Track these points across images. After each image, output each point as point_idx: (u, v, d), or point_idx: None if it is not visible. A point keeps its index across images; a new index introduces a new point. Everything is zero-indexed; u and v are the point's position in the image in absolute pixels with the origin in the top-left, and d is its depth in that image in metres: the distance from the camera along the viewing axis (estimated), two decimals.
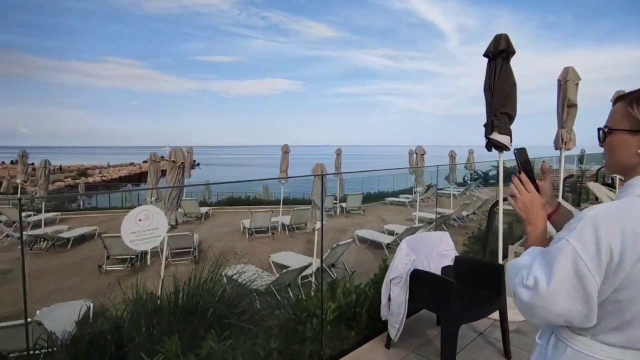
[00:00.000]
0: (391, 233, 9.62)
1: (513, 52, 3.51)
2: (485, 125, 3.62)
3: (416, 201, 15.41)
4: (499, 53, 3.49)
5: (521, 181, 1.18)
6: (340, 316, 3.09)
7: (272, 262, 7.59)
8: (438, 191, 16.17)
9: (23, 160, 11.27)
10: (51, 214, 12.35)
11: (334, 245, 6.53)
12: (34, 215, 11.96)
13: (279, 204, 11.71)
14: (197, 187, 19.21)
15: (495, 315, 3.07)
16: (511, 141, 3.59)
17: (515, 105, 3.56)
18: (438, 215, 10.30)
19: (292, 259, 7.55)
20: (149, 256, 8.16)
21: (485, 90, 3.63)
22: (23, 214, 11.67)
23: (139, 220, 2.34)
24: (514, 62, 3.61)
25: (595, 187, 7.06)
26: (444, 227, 10.34)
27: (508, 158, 3.69)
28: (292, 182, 16.42)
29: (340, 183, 16.70)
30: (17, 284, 6.39)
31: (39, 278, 7.40)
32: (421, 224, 9.43)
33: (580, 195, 9.18)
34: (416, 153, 8.75)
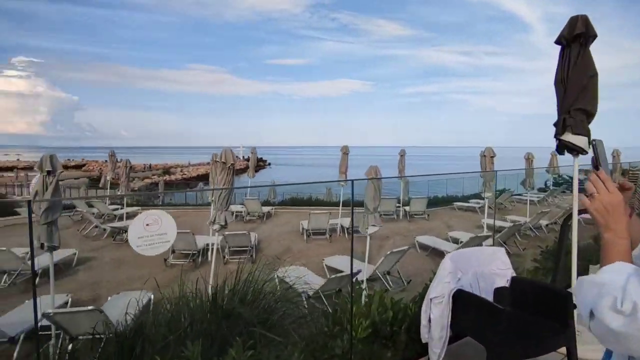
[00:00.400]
0: (456, 241, 8.97)
1: (594, 37, 2.94)
2: (555, 125, 3.09)
3: (490, 207, 14.34)
4: (575, 38, 2.94)
5: (600, 178, 0.96)
6: (374, 334, 2.83)
7: (326, 265, 7.47)
8: (514, 196, 14.81)
9: (112, 160, 12.60)
10: (134, 208, 13.62)
11: (388, 252, 6.21)
12: (121, 208, 13.31)
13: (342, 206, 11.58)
14: (264, 186, 19.87)
15: (562, 350, 2.58)
16: (589, 143, 3.01)
17: (594, 100, 2.98)
18: (510, 224, 9.34)
19: (347, 264, 7.34)
20: (209, 253, 8.53)
21: (556, 83, 3.09)
22: (112, 206, 13.03)
23: (147, 225, 2.34)
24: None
25: None
26: (517, 236, 9.37)
27: (585, 163, 3.11)
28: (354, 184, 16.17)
29: (405, 186, 16.11)
30: (99, 270, 7.02)
31: (116, 266, 8.15)
32: (489, 233, 8.61)
33: None
34: (485, 155, 7.99)
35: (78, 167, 62.99)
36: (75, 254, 7.98)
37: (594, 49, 3.04)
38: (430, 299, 2.60)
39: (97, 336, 3.80)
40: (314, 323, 3.37)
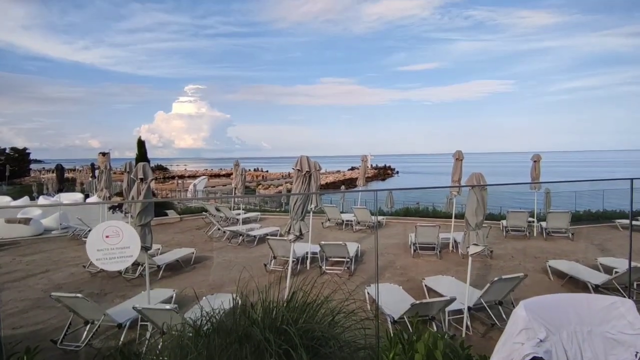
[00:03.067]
0: (608, 270, 6.92)
1: None
2: None
3: None
4: None
5: None
6: None
7: (425, 286, 6.59)
8: None
9: (236, 169, 13.87)
10: (255, 214, 14.75)
11: (495, 279, 5.04)
12: (244, 213, 14.57)
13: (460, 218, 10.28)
14: (381, 195, 19.28)
15: None
16: None
17: None
18: None
19: (449, 287, 6.34)
20: (308, 261, 8.47)
21: None
22: (235, 211, 14.32)
23: (106, 237, 2.15)
24: None
25: None
26: None
27: None
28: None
29: (547, 197, 13.52)
30: (211, 270, 7.56)
31: (225, 267, 8.75)
32: None
33: None
34: None
35: (227, 175, 73.16)
36: (193, 253, 8.91)
37: None
38: None
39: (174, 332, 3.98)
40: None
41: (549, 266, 7.30)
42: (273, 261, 8.38)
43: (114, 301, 6.57)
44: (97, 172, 22.79)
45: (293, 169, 4.88)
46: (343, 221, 13.03)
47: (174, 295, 6.25)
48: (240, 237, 10.86)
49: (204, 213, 13.93)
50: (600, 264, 7.31)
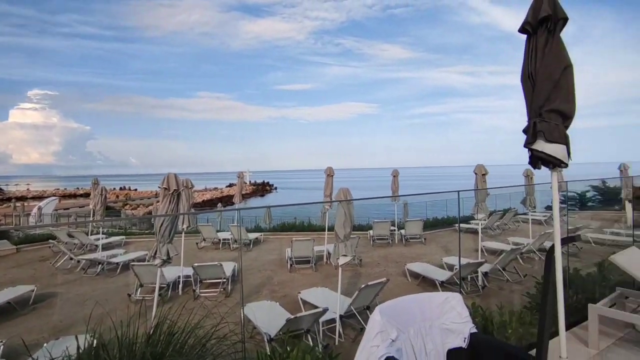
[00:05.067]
0: (451, 268, 8.17)
1: (564, 20, 2.34)
2: (524, 131, 2.46)
3: (491, 228, 13.47)
4: (541, 23, 2.35)
5: None
6: None
7: (301, 299, 6.73)
8: (518, 216, 13.94)
9: (95, 187, 12.14)
10: (118, 238, 13.08)
11: (362, 286, 5.47)
12: (105, 238, 12.77)
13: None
14: (259, 211, 19.22)
15: None
16: (569, 153, 2.37)
17: (571, 98, 2.34)
18: (513, 247, 8.49)
19: (324, 298, 6.60)
20: (180, 286, 7.86)
21: (523, 80, 2.48)
22: (94, 236, 12.49)
23: None
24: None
25: None
26: (520, 260, 8.57)
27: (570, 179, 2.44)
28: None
29: (405, 208, 15.41)
30: (58, 309, 6.31)
31: (78, 303, 7.50)
32: (483, 259, 7.81)
33: None
34: (475, 173, 7.30)
35: (87, 195, 63.51)
36: (33, 290, 7.38)
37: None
38: None
39: None
40: None
41: (407, 269, 8.26)
42: (140, 290, 7.52)
43: None
44: None
45: (159, 187, 4.49)
46: (220, 240, 12.54)
47: (1, 347, 5.05)
48: (100, 266, 9.46)
49: (51, 241, 11.73)
50: (445, 263, 8.58)
